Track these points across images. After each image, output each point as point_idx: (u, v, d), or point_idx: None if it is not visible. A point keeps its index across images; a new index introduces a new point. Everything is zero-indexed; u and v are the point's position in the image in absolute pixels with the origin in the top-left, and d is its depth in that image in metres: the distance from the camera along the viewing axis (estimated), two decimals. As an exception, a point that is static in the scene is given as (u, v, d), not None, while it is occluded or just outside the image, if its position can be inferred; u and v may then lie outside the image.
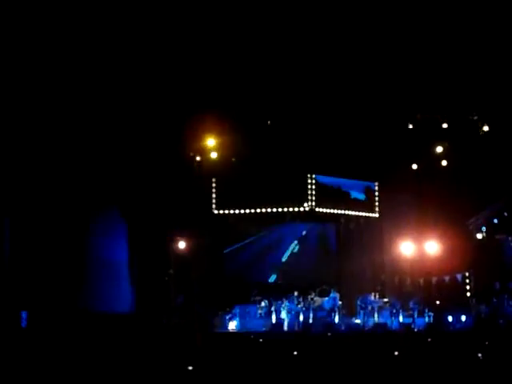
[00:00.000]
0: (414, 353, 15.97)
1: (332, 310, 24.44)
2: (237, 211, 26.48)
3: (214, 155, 24.83)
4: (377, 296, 25.69)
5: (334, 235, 28.13)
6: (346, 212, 27.24)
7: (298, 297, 24.41)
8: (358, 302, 25.02)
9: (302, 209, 26.58)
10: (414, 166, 26.51)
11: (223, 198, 26.33)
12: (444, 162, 25.93)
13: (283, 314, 23.90)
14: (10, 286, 20.93)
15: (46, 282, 21.38)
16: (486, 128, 24.00)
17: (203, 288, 25.17)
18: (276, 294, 24.71)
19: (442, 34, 20.76)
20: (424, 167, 26.45)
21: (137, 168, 23.21)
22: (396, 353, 15.48)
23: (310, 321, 23.98)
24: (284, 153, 24.81)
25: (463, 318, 24.78)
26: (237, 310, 24.17)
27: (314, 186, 26.42)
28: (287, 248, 27.73)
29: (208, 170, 25.11)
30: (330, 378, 13.41)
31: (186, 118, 22.76)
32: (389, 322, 24.27)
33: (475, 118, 24.15)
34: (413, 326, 24.31)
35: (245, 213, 26.48)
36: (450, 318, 25.01)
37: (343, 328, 24.09)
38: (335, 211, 27.15)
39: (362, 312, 24.78)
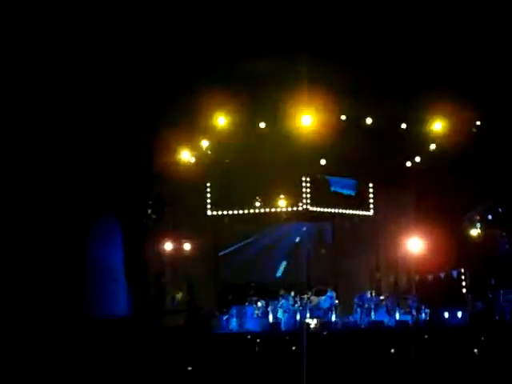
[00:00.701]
0: (411, 350, 16.09)
1: (329, 309, 24.49)
2: (231, 212, 26.52)
3: (207, 156, 24.86)
4: (373, 294, 25.77)
5: (329, 234, 28.21)
6: (341, 211, 27.30)
7: (295, 296, 24.48)
8: (355, 301, 25.11)
9: (297, 209, 26.63)
10: (409, 164, 26.60)
11: (218, 200, 26.37)
12: (438, 160, 25.99)
13: (280, 314, 23.97)
14: (6, 289, 20.92)
15: (44, 286, 21.38)
16: (478, 122, 24.06)
17: (200, 289, 25.21)
18: (273, 294, 24.78)
19: (435, 29, 20.77)
20: (418, 165, 26.54)
21: (132, 171, 23.23)
22: (392, 350, 15.61)
23: (307, 320, 24.02)
24: (278, 153, 24.82)
25: (459, 314, 24.86)
26: (234, 311, 24.21)
27: (308, 186, 26.47)
28: (283, 248, 27.81)
29: (202, 171, 25.11)
30: (328, 375, 13.51)
31: (178, 120, 22.78)
32: (386, 320, 24.36)
33: (468, 115, 24.20)
34: (412, 323, 24.42)
35: (239, 214, 26.53)
36: (446, 315, 25.09)
37: (340, 327, 24.15)
38: (330, 210, 27.21)
39: (358, 310, 24.85)
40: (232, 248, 27.03)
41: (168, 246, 24.58)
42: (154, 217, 24.53)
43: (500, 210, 26.68)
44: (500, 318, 24.48)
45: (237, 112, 23.77)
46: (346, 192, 27.54)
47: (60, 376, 12.54)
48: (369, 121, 24.06)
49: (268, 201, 26.42)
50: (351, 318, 24.90)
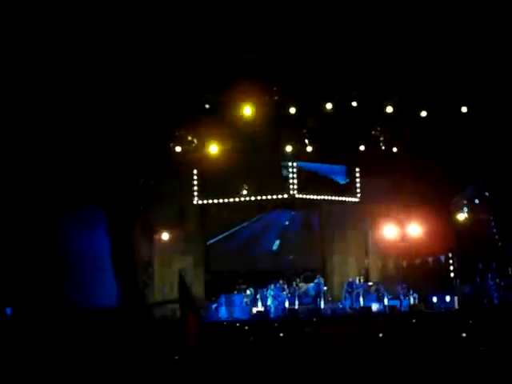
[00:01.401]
0: (400, 334, 16.09)
1: (317, 296, 24.55)
2: (218, 201, 26.43)
3: (193, 145, 24.73)
4: (361, 280, 25.85)
5: (316, 221, 28.20)
6: (328, 198, 27.27)
7: (283, 283, 24.51)
8: (344, 287, 25.17)
9: (283, 196, 26.59)
10: (395, 149, 26.58)
11: (205, 189, 26.27)
12: (424, 144, 25.98)
13: (269, 302, 23.99)
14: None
15: (28, 278, 21.28)
16: (464, 109, 24.01)
17: (188, 278, 25.14)
18: (261, 282, 24.79)
19: (417, 21, 20.75)
20: (404, 150, 26.51)
21: (117, 161, 23.09)
22: (381, 334, 15.59)
23: (296, 307, 24.07)
24: (264, 141, 24.74)
25: (447, 298, 24.97)
26: (223, 299, 24.21)
27: (294, 174, 26.41)
28: (271, 236, 27.77)
29: (188, 160, 24.99)
30: (316, 362, 13.46)
31: (164, 110, 22.65)
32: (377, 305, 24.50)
33: (454, 99, 24.18)
34: (399, 308, 24.54)
35: (226, 202, 26.45)
36: (434, 299, 25.21)
37: (329, 313, 24.22)
38: (317, 197, 27.18)
39: (347, 296, 24.94)
40: (220, 236, 26.95)
41: (155, 236, 24.47)
42: (140, 206, 24.40)
43: (487, 193, 26.75)
44: (488, 301, 24.62)
45: (223, 99, 23.66)
46: (333, 179, 27.52)
47: (44, 367, 12.44)
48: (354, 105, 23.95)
49: (255, 189, 26.32)
50: (340, 305, 24.99)
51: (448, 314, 23.37)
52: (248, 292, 24.63)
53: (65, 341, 15.74)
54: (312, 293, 24.72)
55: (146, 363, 13.76)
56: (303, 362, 13.67)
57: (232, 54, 21.60)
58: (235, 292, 24.77)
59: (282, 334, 18.03)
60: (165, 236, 24.83)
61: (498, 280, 24.92)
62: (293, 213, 28.01)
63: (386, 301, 24.69)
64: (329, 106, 23.83)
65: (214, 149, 24.58)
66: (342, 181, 27.70)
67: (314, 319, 22.48)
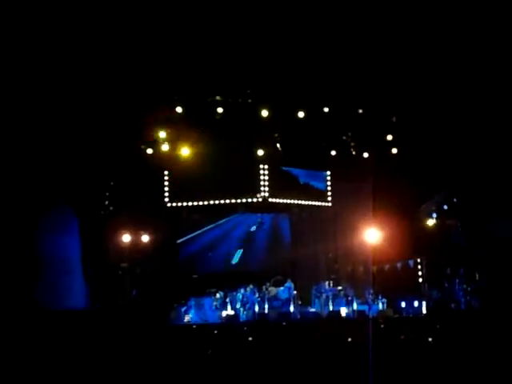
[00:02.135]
0: (368, 339, 16.21)
1: (287, 300, 24.59)
2: (190, 203, 26.41)
3: (165, 147, 24.66)
4: (331, 284, 25.95)
5: (287, 225, 28.28)
6: (299, 202, 27.38)
7: (253, 287, 24.52)
8: (313, 291, 25.25)
9: (255, 199, 26.63)
10: (366, 155, 26.78)
11: (176, 191, 26.22)
12: (394, 150, 26.22)
13: (238, 305, 23.99)
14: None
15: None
16: (432, 117, 24.26)
17: (158, 281, 25.06)
18: (231, 285, 24.77)
19: (384, 24, 20.89)
20: (375, 156, 26.73)
21: (88, 162, 22.95)
22: (350, 339, 15.71)
23: (266, 311, 24.10)
24: (236, 143, 24.78)
25: (416, 303, 25.18)
26: (192, 303, 24.16)
27: (266, 177, 26.48)
28: (241, 239, 27.80)
29: (160, 162, 24.93)
30: (285, 366, 13.52)
31: (136, 111, 22.57)
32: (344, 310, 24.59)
33: (420, 108, 24.40)
34: (367, 313, 24.65)
35: (198, 205, 26.43)
36: (403, 304, 25.39)
37: (298, 317, 24.28)
38: (288, 201, 27.27)
39: (316, 301, 25.02)
40: (190, 237, 26.91)
41: (126, 238, 24.34)
42: (111, 208, 24.28)
43: (455, 200, 27.02)
44: (455, 307, 24.88)
45: (195, 102, 23.66)
46: (304, 183, 27.64)
47: (12, 370, 12.35)
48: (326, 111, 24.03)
49: (226, 191, 26.33)
50: (309, 309, 25.07)
51: (416, 319, 23.59)
52: (218, 295, 24.58)
53: (31, 342, 15.61)
54: (282, 297, 24.73)
55: (114, 364, 13.72)
56: (272, 365, 13.72)
57: (205, 55, 21.58)
58: (205, 295, 24.72)
59: (250, 338, 18.09)
60: (135, 238, 24.70)
61: (465, 286, 25.17)
62: (264, 216, 28.07)
63: (355, 305, 24.81)
64: (301, 110, 23.92)
65: (185, 151, 24.57)
66: (313, 185, 27.80)
67: (284, 323, 22.53)
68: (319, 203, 27.67)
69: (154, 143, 24.34)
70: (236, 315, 23.68)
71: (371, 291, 25.62)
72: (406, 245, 26.07)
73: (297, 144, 25.35)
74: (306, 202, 27.52)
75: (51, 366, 13.24)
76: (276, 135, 25.01)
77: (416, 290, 26.16)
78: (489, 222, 24.80)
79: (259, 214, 27.90)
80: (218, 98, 23.51)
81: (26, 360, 13.72)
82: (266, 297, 24.57)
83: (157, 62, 21.57)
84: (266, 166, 26.37)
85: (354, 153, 26.45)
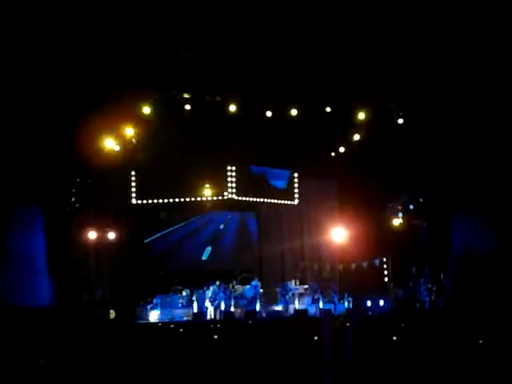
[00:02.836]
0: (335, 337, 16.27)
1: (253, 298, 24.61)
2: (156, 201, 26.31)
3: (132, 145, 24.51)
4: (297, 283, 26.03)
5: (254, 223, 28.33)
6: (266, 200, 27.44)
7: (220, 285, 24.48)
8: (279, 290, 25.30)
9: (221, 198, 26.64)
10: (333, 154, 26.90)
11: (142, 188, 26.12)
12: (362, 150, 26.33)
13: (205, 303, 23.94)
14: None
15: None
16: (400, 120, 24.36)
17: (124, 278, 24.92)
18: (198, 283, 24.72)
19: (360, 21, 20.88)
20: (342, 154, 26.86)
21: (53, 159, 22.70)
22: (316, 338, 15.74)
23: (232, 309, 24.09)
24: (204, 142, 24.71)
25: (381, 302, 25.37)
26: (158, 300, 24.07)
27: (233, 176, 26.52)
28: (208, 237, 27.78)
29: (126, 159, 24.77)
30: (251, 364, 13.54)
31: (102, 108, 22.36)
32: (310, 309, 24.67)
33: (391, 106, 24.51)
34: (333, 312, 24.75)
35: (165, 202, 26.36)
36: (368, 303, 25.57)
37: (264, 315, 24.31)
38: (255, 199, 27.32)
39: (282, 299, 25.08)
40: (156, 236, 26.81)
41: (92, 235, 24.16)
42: (77, 205, 24.06)
43: (421, 200, 27.25)
44: (420, 306, 25.10)
45: (162, 99, 23.51)
46: (272, 182, 27.71)
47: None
48: (294, 112, 24.01)
49: (193, 190, 26.30)
50: (275, 307, 25.11)
51: (381, 317, 23.74)
52: (184, 293, 24.54)
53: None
54: (248, 295, 24.75)
55: (78, 362, 13.62)
56: (237, 363, 13.73)
57: (171, 52, 21.45)
58: (171, 293, 24.65)
59: (216, 337, 18.07)
60: (101, 235, 24.53)
61: (430, 285, 25.41)
62: (230, 214, 28.09)
63: (321, 304, 24.92)
64: (269, 109, 23.92)
65: (152, 148, 24.47)
66: (280, 184, 27.90)
67: (250, 321, 22.55)
68: (286, 202, 27.79)
69: (121, 140, 24.15)
70: (202, 313, 23.63)
71: (337, 290, 25.78)
72: (372, 244, 26.23)
73: (264, 143, 25.35)
74: (273, 201, 27.61)
75: (11, 365, 13.09)
76: (244, 134, 24.94)
77: (382, 289, 26.35)
78: (454, 221, 25.02)
79: (227, 212, 27.91)
80: (185, 95, 23.36)
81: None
82: (233, 295, 24.58)
83: (125, 57, 21.37)
84: (234, 167, 26.44)
85: (321, 152, 26.54)
